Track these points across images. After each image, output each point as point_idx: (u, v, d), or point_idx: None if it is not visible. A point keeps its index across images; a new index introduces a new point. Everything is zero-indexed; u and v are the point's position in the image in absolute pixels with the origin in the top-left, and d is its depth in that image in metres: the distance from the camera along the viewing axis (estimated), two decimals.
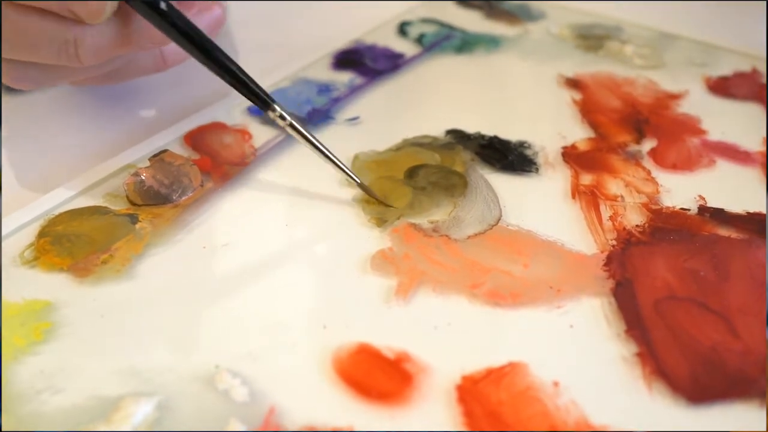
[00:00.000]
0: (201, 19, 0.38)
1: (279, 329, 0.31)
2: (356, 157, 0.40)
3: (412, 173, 0.39)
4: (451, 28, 0.55)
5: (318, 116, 0.44)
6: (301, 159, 0.40)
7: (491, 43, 0.53)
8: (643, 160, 0.41)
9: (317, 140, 0.36)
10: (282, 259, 0.34)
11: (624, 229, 0.36)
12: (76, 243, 0.34)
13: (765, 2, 0.59)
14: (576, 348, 0.30)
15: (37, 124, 0.43)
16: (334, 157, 0.37)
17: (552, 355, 0.30)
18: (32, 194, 0.37)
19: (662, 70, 0.50)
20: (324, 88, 0.46)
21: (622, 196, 0.38)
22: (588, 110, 0.45)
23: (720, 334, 0.31)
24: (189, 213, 0.36)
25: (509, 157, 0.41)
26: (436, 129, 0.43)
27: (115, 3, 0.33)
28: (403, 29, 0.54)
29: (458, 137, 0.42)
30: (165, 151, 0.39)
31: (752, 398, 0.28)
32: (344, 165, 0.37)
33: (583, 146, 0.42)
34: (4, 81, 0.37)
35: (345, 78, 0.48)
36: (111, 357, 0.29)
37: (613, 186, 0.39)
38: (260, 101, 0.36)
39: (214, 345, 0.30)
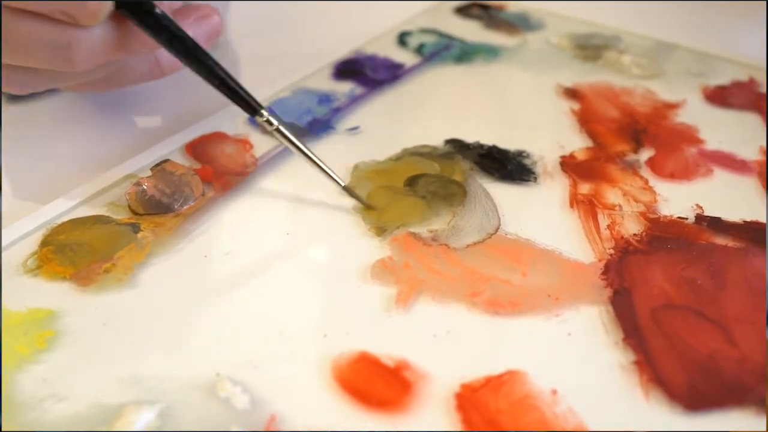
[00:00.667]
0: (199, 27, 0.38)
1: (280, 337, 0.31)
2: (356, 167, 0.40)
3: (411, 182, 0.39)
4: (450, 38, 0.55)
5: (318, 126, 0.44)
6: (301, 169, 0.40)
7: (490, 53, 0.53)
8: (640, 169, 0.41)
9: (302, 144, 0.37)
10: (282, 268, 0.34)
11: (622, 237, 0.36)
12: (79, 252, 0.34)
13: (763, 12, 0.60)
14: (574, 356, 0.30)
15: (39, 133, 0.44)
16: (320, 161, 0.37)
17: (550, 363, 0.30)
18: (35, 204, 0.37)
19: (660, 79, 0.51)
20: (324, 98, 0.47)
21: (619, 205, 0.38)
22: (586, 120, 0.46)
23: (717, 343, 0.31)
24: (190, 222, 0.37)
25: (508, 166, 0.41)
26: (436, 138, 0.43)
27: (111, 4, 0.33)
28: (402, 39, 0.55)
29: (457, 147, 0.42)
30: (166, 160, 0.39)
31: (749, 406, 0.29)
32: (329, 169, 0.37)
33: (581, 156, 0.42)
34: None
35: (345, 88, 0.48)
36: (113, 365, 0.29)
37: (611, 195, 0.39)
38: (248, 106, 0.37)
39: (215, 353, 0.30)
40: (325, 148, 0.42)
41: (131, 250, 0.35)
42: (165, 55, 0.38)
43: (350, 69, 0.50)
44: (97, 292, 0.32)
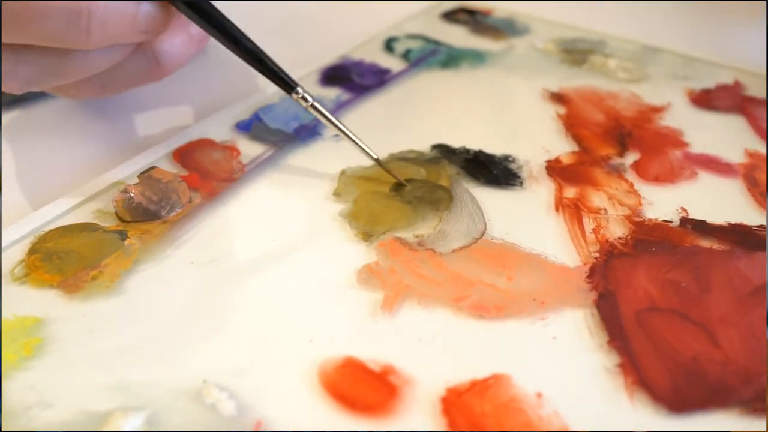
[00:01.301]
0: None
1: (266, 343, 0.31)
2: (343, 172, 0.41)
3: (398, 188, 0.40)
4: (437, 43, 0.56)
5: (305, 132, 0.44)
6: (288, 175, 0.41)
7: (476, 58, 0.54)
8: (625, 172, 0.41)
9: (337, 120, 0.39)
10: (269, 274, 0.34)
11: (607, 241, 0.37)
12: (66, 259, 0.34)
13: (749, 16, 0.60)
14: (559, 359, 0.31)
15: (26, 142, 0.44)
16: (354, 135, 0.39)
17: (535, 366, 0.30)
18: (22, 212, 0.37)
19: (645, 83, 0.51)
20: None
21: (605, 209, 0.39)
22: (572, 124, 0.46)
23: (701, 345, 0.31)
24: (177, 229, 0.37)
25: (494, 171, 0.41)
26: (422, 144, 0.43)
27: None
28: (389, 45, 0.55)
29: (444, 152, 0.43)
30: (153, 167, 0.39)
31: (733, 408, 0.29)
32: (363, 143, 0.39)
33: (566, 160, 0.42)
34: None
35: (332, 94, 0.48)
36: (100, 372, 0.29)
37: (596, 199, 0.39)
38: (284, 84, 0.39)
39: (201, 359, 0.30)
40: (311, 154, 0.42)
41: (118, 258, 0.35)
42: (165, 54, 0.39)
43: (337, 75, 0.51)
44: (84, 299, 0.33)
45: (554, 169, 0.42)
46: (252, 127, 0.44)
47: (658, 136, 0.45)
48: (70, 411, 0.28)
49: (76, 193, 0.38)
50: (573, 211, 0.38)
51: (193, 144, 0.42)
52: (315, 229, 0.37)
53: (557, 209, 0.39)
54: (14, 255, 0.35)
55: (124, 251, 0.35)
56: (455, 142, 0.43)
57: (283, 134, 0.44)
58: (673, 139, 0.45)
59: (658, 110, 0.48)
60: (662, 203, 0.39)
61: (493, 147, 0.43)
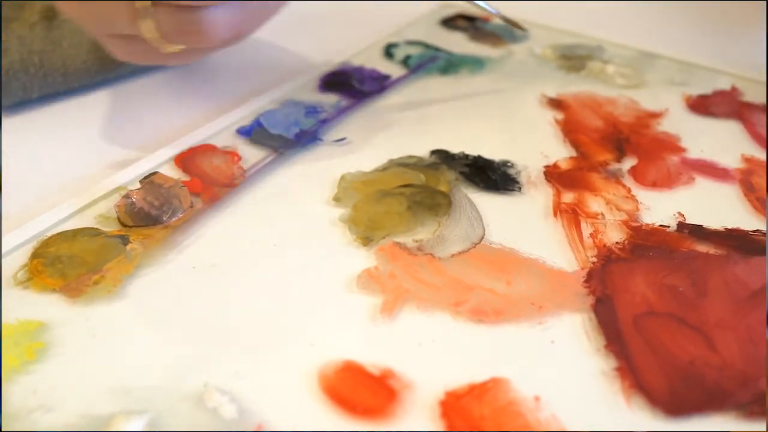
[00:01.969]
0: None
1: (266, 347, 0.31)
2: (342, 178, 0.41)
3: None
4: (436, 49, 0.56)
5: (306, 138, 0.44)
6: (288, 180, 0.41)
7: (475, 64, 0.54)
8: (623, 178, 0.42)
9: None
10: (269, 279, 0.35)
11: (604, 246, 0.37)
12: (68, 264, 0.34)
13: (746, 23, 0.60)
14: (557, 363, 0.31)
15: (29, 147, 0.44)
16: None
17: (534, 370, 0.30)
18: (25, 217, 0.37)
19: (643, 89, 0.51)
20: (312, 110, 0.47)
21: (602, 214, 0.39)
22: (570, 130, 0.46)
23: (698, 349, 0.31)
24: (179, 234, 0.37)
25: (492, 176, 0.41)
26: (422, 149, 0.44)
27: None
28: (389, 51, 0.55)
29: (443, 157, 0.43)
30: (155, 173, 0.39)
31: (729, 411, 0.29)
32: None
33: (564, 165, 0.43)
34: (119, 56, 0.41)
35: (332, 100, 0.49)
36: (102, 376, 0.30)
37: (594, 204, 0.40)
38: None
39: (203, 363, 0.30)
40: (312, 159, 0.43)
41: (120, 262, 0.35)
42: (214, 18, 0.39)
43: (337, 81, 0.51)
44: (86, 303, 0.33)
45: (552, 174, 0.42)
46: (253, 132, 0.44)
47: (655, 141, 0.45)
48: (72, 414, 0.28)
49: (78, 198, 0.38)
50: (571, 216, 0.39)
51: (195, 149, 0.43)
52: (315, 234, 0.37)
53: (555, 214, 0.39)
54: (17, 259, 0.35)
55: (126, 256, 0.35)
56: (454, 148, 0.44)
57: (284, 140, 0.44)
58: (671, 145, 0.45)
59: (655, 116, 0.48)
60: (659, 208, 0.40)
61: (492, 152, 0.43)
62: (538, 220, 0.39)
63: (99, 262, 0.35)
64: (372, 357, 0.31)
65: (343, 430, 0.28)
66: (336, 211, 0.39)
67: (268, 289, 0.34)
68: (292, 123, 0.46)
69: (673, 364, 0.31)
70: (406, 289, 0.34)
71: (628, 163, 0.43)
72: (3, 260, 0.35)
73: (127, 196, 0.38)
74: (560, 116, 0.48)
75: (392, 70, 0.53)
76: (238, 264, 0.35)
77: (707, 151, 0.44)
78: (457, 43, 0.57)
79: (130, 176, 0.40)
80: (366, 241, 0.37)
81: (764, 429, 0.28)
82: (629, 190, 0.41)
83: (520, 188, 0.41)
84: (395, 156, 0.43)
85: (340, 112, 0.47)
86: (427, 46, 0.56)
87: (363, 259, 0.36)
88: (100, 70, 0.49)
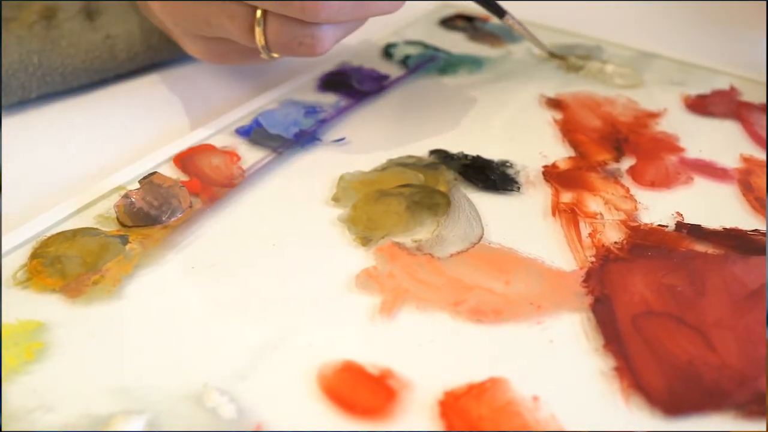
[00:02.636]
0: None
1: (266, 347, 0.31)
2: (341, 178, 0.41)
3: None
4: (435, 49, 0.56)
5: (305, 138, 0.44)
6: (287, 180, 0.41)
7: (474, 64, 0.54)
8: (622, 178, 0.42)
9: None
10: (268, 279, 0.35)
11: (603, 245, 0.37)
12: (68, 264, 0.35)
13: (744, 23, 0.60)
14: (556, 363, 0.31)
15: (28, 147, 0.44)
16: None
17: (532, 370, 0.31)
18: (24, 217, 0.37)
19: (642, 89, 0.51)
20: (311, 110, 0.47)
21: (601, 214, 0.39)
22: (569, 130, 0.46)
23: (696, 349, 0.31)
24: (178, 234, 0.37)
25: (491, 176, 0.41)
26: (421, 149, 0.44)
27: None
28: (388, 51, 0.55)
29: (442, 157, 0.43)
30: (154, 173, 0.39)
31: (728, 411, 0.29)
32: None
33: (563, 165, 0.43)
34: (197, 55, 0.44)
35: (331, 100, 0.49)
36: (102, 376, 0.30)
37: (593, 204, 0.40)
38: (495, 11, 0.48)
39: (202, 363, 0.30)
40: (311, 159, 0.43)
41: (119, 262, 0.35)
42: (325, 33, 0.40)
43: (336, 81, 0.51)
44: (85, 303, 0.33)
45: (551, 174, 0.42)
46: (252, 132, 0.44)
47: (654, 141, 0.45)
48: (71, 414, 0.28)
49: (77, 198, 0.38)
50: (569, 215, 0.39)
51: (194, 149, 0.43)
52: (314, 234, 0.37)
53: (554, 214, 0.39)
54: (16, 259, 0.35)
55: (125, 256, 0.35)
56: (453, 148, 0.44)
57: (283, 140, 0.44)
58: (669, 145, 0.45)
59: (654, 116, 0.48)
60: (658, 208, 0.40)
61: (491, 152, 0.43)
62: (536, 219, 0.39)
63: (98, 262, 0.35)
64: (371, 357, 0.31)
65: (342, 430, 0.28)
66: (335, 211, 0.39)
67: (266, 289, 0.34)
68: (291, 123, 0.46)
69: (671, 363, 0.31)
70: (405, 289, 0.34)
71: (627, 162, 0.43)
72: (3, 260, 0.35)
73: (126, 196, 0.38)
74: (559, 116, 0.48)
75: (391, 70, 0.53)
76: (237, 264, 0.36)
77: (706, 151, 0.44)
78: (456, 43, 0.57)
79: (129, 176, 0.40)
80: (365, 241, 0.37)
81: (764, 429, 0.29)
82: (628, 190, 0.41)
83: (518, 188, 0.41)
84: (394, 156, 0.43)
85: (339, 112, 0.47)
86: (426, 46, 0.56)
87: (362, 259, 0.36)
88: (99, 70, 0.49)
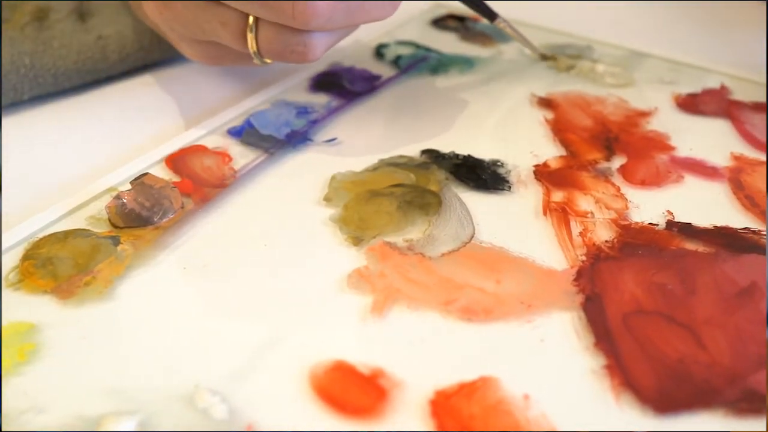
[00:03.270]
0: None
1: (257, 347, 0.31)
2: (333, 178, 0.41)
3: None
4: (427, 49, 0.56)
5: (297, 138, 0.44)
6: (279, 181, 0.41)
7: (466, 64, 0.54)
8: (612, 176, 0.42)
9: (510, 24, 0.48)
10: (260, 279, 0.35)
11: (593, 244, 0.37)
12: (59, 265, 0.35)
13: (735, 21, 0.61)
14: (546, 361, 0.31)
15: (19, 148, 0.44)
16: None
17: (523, 368, 0.31)
18: (16, 218, 0.37)
19: (632, 88, 0.51)
20: (302, 110, 0.47)
21: (592, 213, 0.39)
22: (559, 129, 0.46)
23: (687, 347, 0.31)
24: (170, 235, 0.37)
25: (483, 175, 0.41)
26: (412, 149, 0.44)
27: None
28: (379, 51, 0.55)
29: (433, 157, 0.43)
30: (146, 174, 0.40)
31: (718, 409, 0.29)
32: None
33: (554, 164, 0.43)
34: (192, 57, 0.44)
35: (323, 100, 0.49)
36: (93, 377, 0.30)
37: (584, 203, 0.40)
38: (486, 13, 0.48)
39: (194, 364, 0.30)
40: (302, 159, 0.43)
41: (111, 263, 0.35)
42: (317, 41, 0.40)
43: (328, 81, 0.51)
44: (77, 305, 0.33)
45: (542, 173, 0.42)
46: (243, 133, 0.45)
47: (644, 140, 0.45)
48: (63, 415, 0.28)
49: (69, 200, 0.38)
50: (560, 214, 0.39)
51: (185, 150, 0.43)
52: (305, 234, 0.37)
53: (545, 213, 0.39)
54: (8, 261, 0.35)
55: (116, 257, 0.35)
56: (444, 148, 0.44)
57: (275, 140, 0.44)
58: (660, 143, 0.45)
59: (644, 115, 0.48)
60: (648, 207, 0.40)
61: (482, 152, 0.44)
62: (527, 219, 0.39)
63: (90, 264, 0.35)
64: (362, 356, 0.31)
65: (333, 429, 0.28)
66: (326, 211, 0.39)
67: (258, 289, 0.34)
68: (283, 123, 0.46)
69: (662, 361, 0.31)
70: (396, 289, 0.34)
71: (618, 161, 0.43)
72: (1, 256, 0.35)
73: (117, 197, 0.38)
74: (550, 115, 0.48)
75: (383, 70, 0.53)
76: (229, 264, 0.36)
77: (696, 150, 0.44)
78: (448, 43, 0.57)
79: (121, 177, 0.40)
80: (356, 240, 0.37)
81: (757, 428, 0.29)
82: (618, 189, 0.41)
83: (509, 187, 0.41)
84: (385, 156, 0.43)
85: (331, 113, 0.47)
86: (417, 46, 0.56)
87: (353, 258, 0.36)
88: (91, 71, 0.49)
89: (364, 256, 0.36)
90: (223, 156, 0.43)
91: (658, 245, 0.37)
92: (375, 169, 0.42)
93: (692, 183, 0.42)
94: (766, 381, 0.30)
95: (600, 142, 0.45)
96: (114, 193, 0.39)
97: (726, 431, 0.29)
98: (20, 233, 0.36)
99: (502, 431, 0.28)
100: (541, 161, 0.43)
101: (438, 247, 0.36)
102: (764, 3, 0.63)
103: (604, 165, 0.43)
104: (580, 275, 0.35)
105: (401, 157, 0.43)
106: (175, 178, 0.40)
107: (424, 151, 0.44)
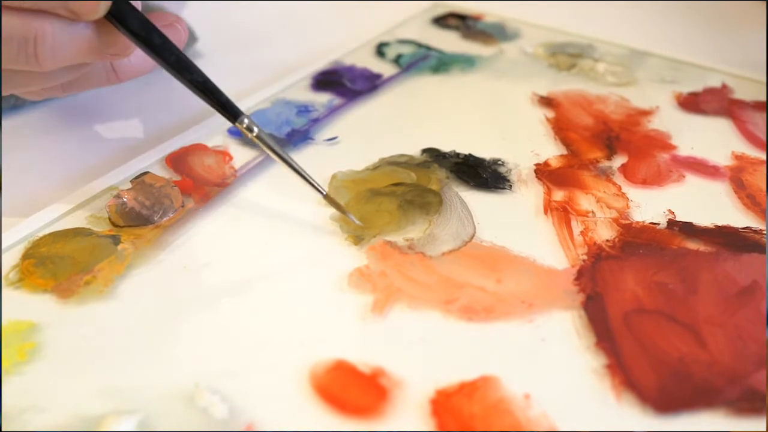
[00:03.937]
0: (167, 34, 0.36)
1: (258, 346, 0.31)
2: (334, 177, 0.41)
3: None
4: (428, 48, 0.56)
5: (297, 137, 0.44)
6: (279, 179, 0.41)
7: (467, 62, 0.54)
8: (613, 176, 0.42)
9: (283, 152, 0.37)
10: (261, 278, 0.35)
11: (594, 243, 0.37)
12: (60, 264, 0.34)
13: (736, 20, 0.60)
14: (547, 361, 0.31)
15: (19, 147, 0.44)
16: (300, 169, 0.37)
17: (524, 368, 0.31)
18: (16, 217, 0.37)
19: (634, 87, 0.51)
20: (303, 109, 0.47)
21: (593, 212, 0.39)
22: (560, 128, 0.46)
23: (687, 346, 0.31)
24: (170, 234, 0.37)
25: (483, 174, 0.41)
26: (413, 148, 0.44)
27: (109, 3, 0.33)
28: (381, 50, 0.55)
29: (434, 156, 0.43)
30: (146, 173, 0.40)
31: (718, 408, 0.29)
32: (310, 177, 0.37)
33: (555, 163, 0.43)
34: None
35: (324, 99, 0.49)
36: (93, 376, 0.30)
37: (585, 202, 0.40)
38: (228, 113, 0.36)
39: (194, 363, 0.30)
40: (303, 158, 0.43)
41: (111, 262, 0.35)
42: (122, 65, 0.37)
43: (329, 80, 0.51)
44: (77, 304, 0.33)
45: (543, 172, 0.42)
46: None
47: (645, 139, 0.45)
48: (63, 415, 0.28)
49: (69, 198, 0.38)
50: (561, 214, 0.39)
51: (186, 149, 0.43)
52: (306, 233, 0.37)
53: (546, 212, 0.39)
54: (8, 260, 0.35)
55: (117, 256, 0.35)
56: (445, 146, 0.44)
57: (277, 138, 0.44)
58: (661, 143, 0.45)
59: (646, 114, 0.48)
60: (650, 206, 0.40)
61: (483, 151, 0.44)
62: (528, 218, 0.39)
63: (90, 263, 0.35)
64: (363, 356, 0.31)
65: (334, 429, 0.28)
66: (327, 210, 0.39)
67: (259, 288, 0.34)
68: (284, 122, 0.46)
69: (662, 361, 0.31)
70: (396, 288, 0.34)
71: (619, 160, 0.43)
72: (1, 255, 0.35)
73: (118, 196, 0.38)
74: (551, 114, 0.48)
75: (384, 69, 0.53)
76: (229, 263, 0.36)
77: (697, 149, 0.44)
78: (449, 41, 0.57)
79: (122, 176, 0.40)
80: (357, 240, 0.37)
81: (757, 428, 0.29)
82: (619, 188, 0.41)
83: (510, 186, 0.41)
84: (386, 155, 0.43)
85: (332, 111, 0.47)
86: (418, 45, 0.56)
87: (354, 258, 0.36)
88: None
89: (365, 256, 0.36)
90: (224, 155, 0.43)
91: (659, 244, 0.37)
92: (376, 168, 0.42)
93: (693, 182, 0.42)
94: (767, 380, 0.30)
95: (601, 141, 0.45)
96: (114, 192, 0.39)
97: (726, 431, 0.28)
98: (20, 232, 0.36)
99: (503, 431, 0.28)
100: (542, 160, 0.43)
101: (439, 246, 0.36)
102: (765, 2, 0.62)
103: (605, 164, 0.43)
104: (581, 274, 0.35)
105: (402, 156, 0.43)
106: (176, 177, 0.40)
107: (425, 150, 0.43)
